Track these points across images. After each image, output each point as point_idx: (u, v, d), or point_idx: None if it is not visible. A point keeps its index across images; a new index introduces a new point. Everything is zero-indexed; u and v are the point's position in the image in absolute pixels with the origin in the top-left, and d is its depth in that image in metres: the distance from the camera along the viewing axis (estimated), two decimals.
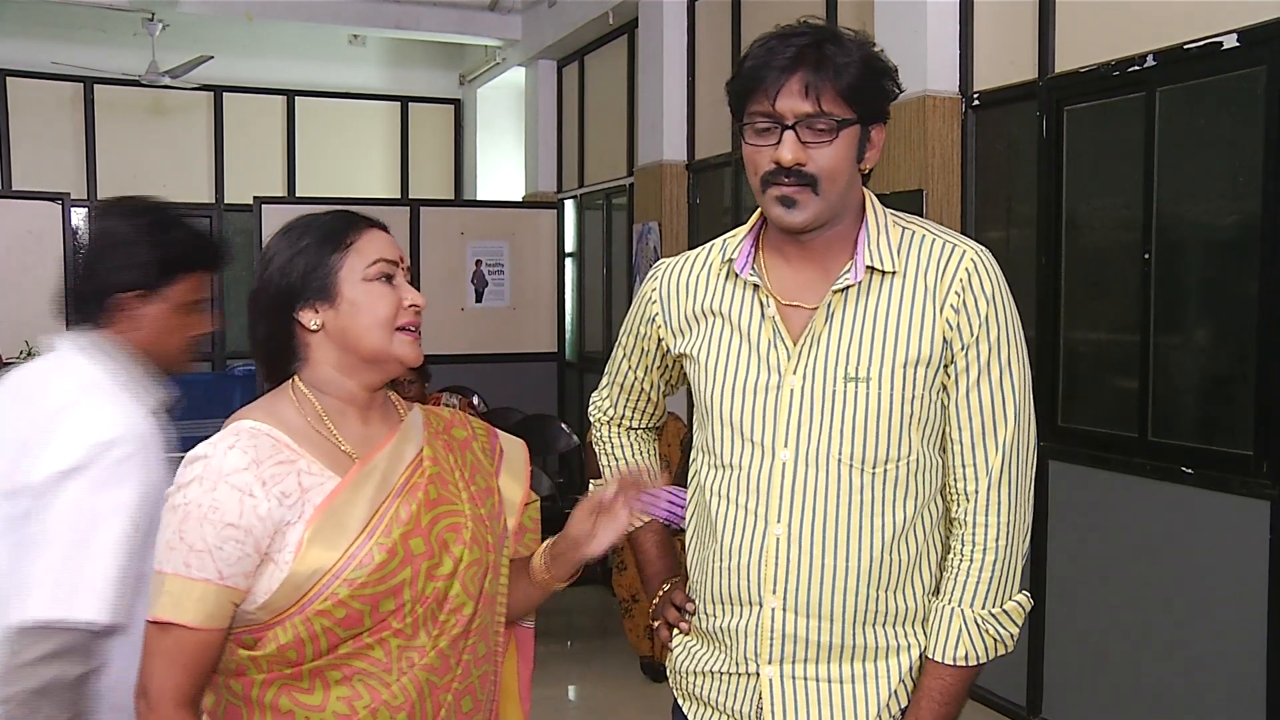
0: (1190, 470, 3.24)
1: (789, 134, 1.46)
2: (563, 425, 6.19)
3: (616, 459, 1.85)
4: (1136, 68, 3.42)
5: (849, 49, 1.47)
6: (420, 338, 1.51)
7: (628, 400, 1.82)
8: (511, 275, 7.67)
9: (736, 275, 1.58)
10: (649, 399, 1.82)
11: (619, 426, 1.86)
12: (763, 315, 1.56)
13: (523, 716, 1.66)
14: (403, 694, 1.42)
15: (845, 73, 1.45)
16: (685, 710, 1.67)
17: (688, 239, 6.15)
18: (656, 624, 1.74)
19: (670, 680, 1.71)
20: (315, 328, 1.47)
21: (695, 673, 1.64)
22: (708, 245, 1.68)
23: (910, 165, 4.06)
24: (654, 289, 1.69)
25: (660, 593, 1.75)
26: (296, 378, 1.50)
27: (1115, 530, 3.50)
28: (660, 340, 1.69)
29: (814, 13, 5.25)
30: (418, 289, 1.53)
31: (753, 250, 1.59)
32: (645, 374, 1.77)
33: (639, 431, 1.87)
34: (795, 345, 1.53)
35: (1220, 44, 3.15)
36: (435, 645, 1.45)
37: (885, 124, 1.53)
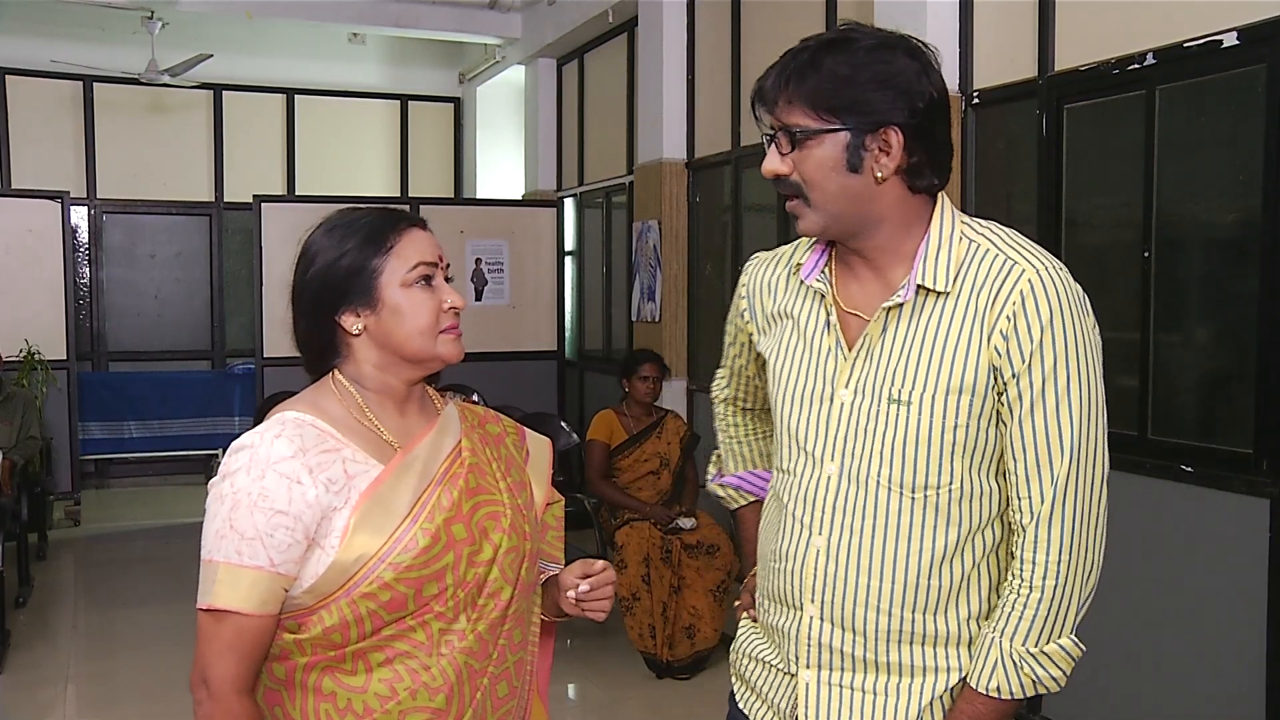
0: (1190, 468, 3.24)
1: (771, 146, 1.49)
2: (563, 424, 6.19)
3: (731, 437, 1.90)
4: (1136, 66, 3.42)
5: (852, 56, 1.42)
6: (461, 335, 1.53)
7: (739, 382, 1.85)
8: (511, 274, 7.67)
9: (804, 282, 1.58)
10: (755, 385, 1.83)
11: (734, 406, 1.89)
12: (826, 323, 1.55)
13: (543, 708, 1.70)
14: (441, 676, 1.45)
15: (812, 83, 1.43)
16: (736, 691, 1.70)
17: (687, 237, 6.16)
18: (738, 602, 1.78)
19: (730, 659, 1.74)
20: (357, 332, 1.49)
21: (750, 657, 1.67)
22: (795, 244, 1.66)
23: None
24: (745, 284, 1.71)
25: (752, 573, 1.76)
26: (337, 371, 1.53)
27: (1115, 529, 3.46)
28: (751, 335, 1.71)
29: (814, 13, 5.25)
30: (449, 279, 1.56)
31: (824, 256, 1.57)
32: (748, 363, 1.80)
33: (754, 412, 1.89)
34: (850, 354, 1.51)
35: (1220, 42, 3.15)
36: (474, 629, 1.48)
37: (907, 128, 1.42)
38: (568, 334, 7.98)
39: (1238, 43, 3.10)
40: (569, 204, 8.05)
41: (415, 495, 1.46)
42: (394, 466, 1.47)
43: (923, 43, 1.48)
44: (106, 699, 4.39)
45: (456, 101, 9.93)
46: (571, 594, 1.61)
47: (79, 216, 8.59)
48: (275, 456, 1.40)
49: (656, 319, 6.24)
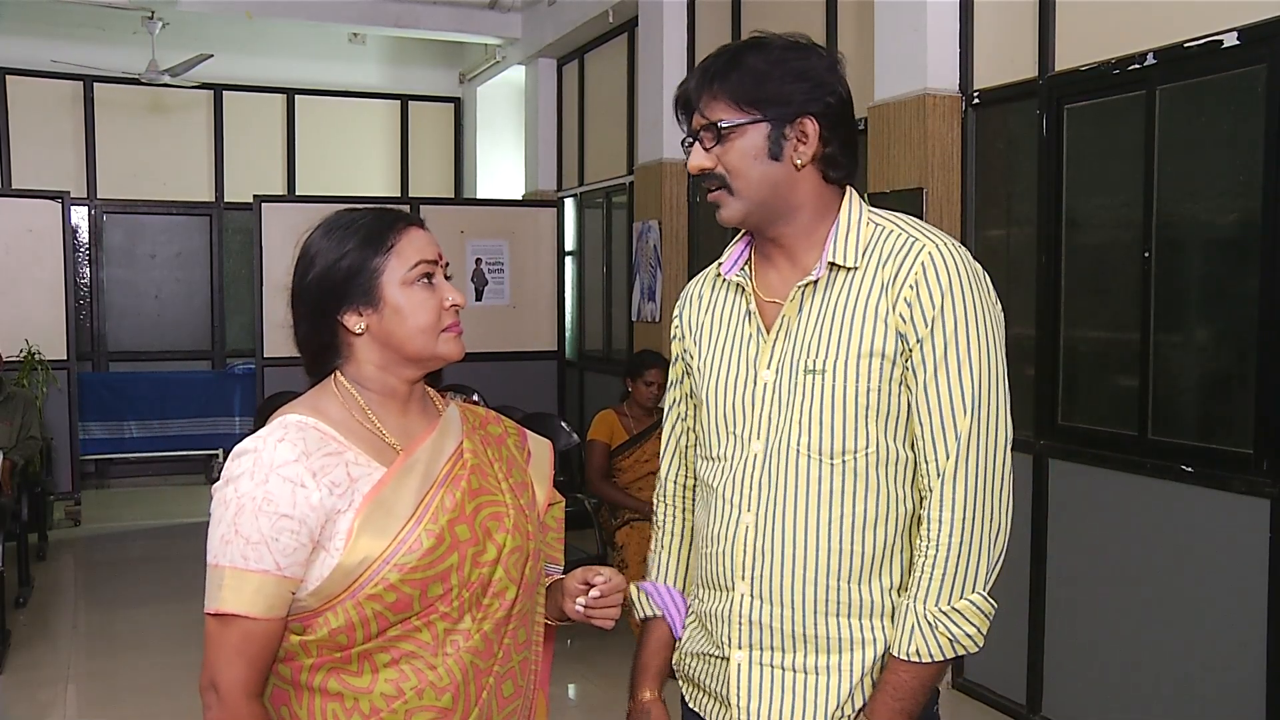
0: (1190, 469, 3.24)
1: (694, 144, 1.59)
2: (563, 424, 6.19)
3: (661, 545, 1.81)
4: (1137, 66, 3.42)
5: (769, 54, 1.54)
6: (462, 333, 1.54)
7: (678, 445, 1.79)
8: (511, 274, 7.67)
9: (725, 279, 1.67)
10: (696, 438, 1.75)
11: (676, 484, 1.80)
12: (747, 311, 1.63)
13: (545, 708, 1.70)
14: (448, 675, 1.46)
15: (734, 80, 1.54)
16: (683, 692, 1.74)
17: (688, 237, 6.15)
18: None
19: (674, 666, 1.77)
20: (360, 331, 1.50)
21: (689, 654, 1.71)
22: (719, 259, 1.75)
23: (910, 164, 4.06)
24: (679, 304, 1.79)
25: (640, 699, 1.74)
26: (338, 373, 1.53)
27: (1115, 529, 3.50)
28: (687, 358, 1.73)
29: (814, 13, 5.25)
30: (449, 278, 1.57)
31: (744, 253, 1.68)
32: (688, 409, 1.76)
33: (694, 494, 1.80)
34: (770, 336, 1.59)
35: (1220, 42, 3.15)
36: (479, 629, 1.49)
37: (822, 118, 1.54)
38: (568, 334, 7.98)
39: (1238, 43, 3.10)
40: (569, 204, 8.05)
41: (418, 497, 1.47)
42: (396, 469, 1.47)
43: (828, 48, 1.59)
44: (106, 699, 4.39)
45: (456, 101, 9.93)
46: (581, 602, 1.61)
47: (79, 216, 8.59)
48: (279, 460, 1.41)
49: (656, 319, 6.24)
